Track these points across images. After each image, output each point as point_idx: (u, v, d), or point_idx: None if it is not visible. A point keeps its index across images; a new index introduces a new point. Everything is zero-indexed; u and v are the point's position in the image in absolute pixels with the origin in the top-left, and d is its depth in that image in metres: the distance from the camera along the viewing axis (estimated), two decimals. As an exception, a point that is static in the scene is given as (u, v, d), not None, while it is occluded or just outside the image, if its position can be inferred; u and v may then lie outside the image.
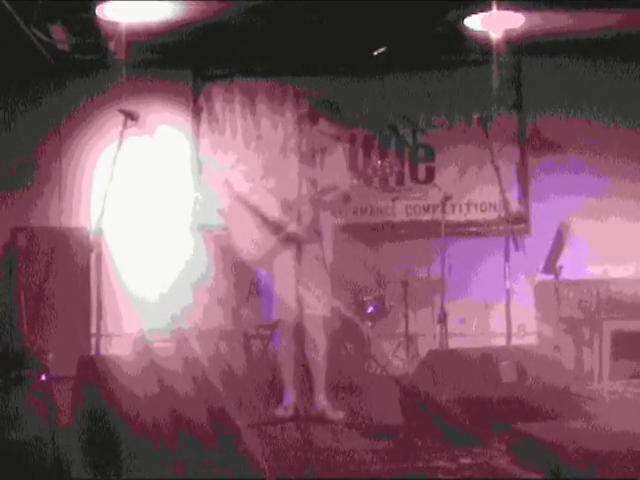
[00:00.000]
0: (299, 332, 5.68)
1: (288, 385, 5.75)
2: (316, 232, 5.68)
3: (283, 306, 5.57)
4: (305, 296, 5.55)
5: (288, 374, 5.74)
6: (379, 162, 6.58)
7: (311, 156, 5.79)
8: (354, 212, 8.13)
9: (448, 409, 4.78)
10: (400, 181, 8.27)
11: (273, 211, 5.61)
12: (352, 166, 7.98)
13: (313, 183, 5.72)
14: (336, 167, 5.82)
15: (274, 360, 6.76)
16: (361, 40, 7.55)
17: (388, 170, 6.20)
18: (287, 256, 5.53)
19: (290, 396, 5.70)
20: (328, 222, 5.80)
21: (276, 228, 5.58)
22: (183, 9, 6.79)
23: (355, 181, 6.46)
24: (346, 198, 5.87)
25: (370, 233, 8.09)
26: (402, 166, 8.26)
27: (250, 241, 5.76)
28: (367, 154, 8.29)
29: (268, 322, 6.85)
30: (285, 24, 7.17)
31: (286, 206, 5.54)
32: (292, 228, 5.58)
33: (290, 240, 5.56)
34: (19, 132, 8.05)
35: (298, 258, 5.54)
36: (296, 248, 5.56)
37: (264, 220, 5.68)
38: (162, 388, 4.24)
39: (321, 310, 5.72)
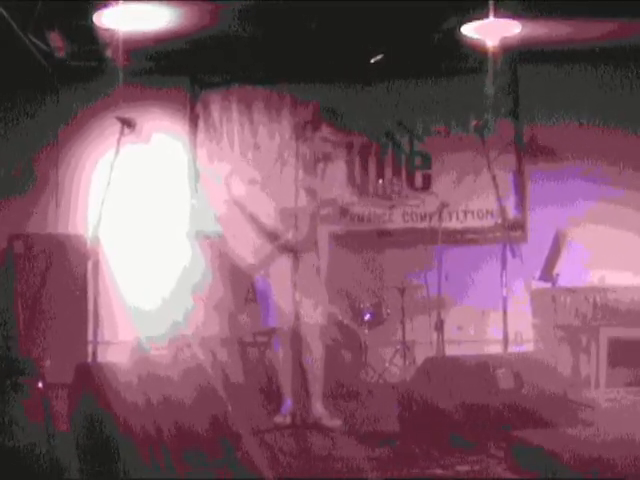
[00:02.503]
0: (296, 339, 5.69)
1: (286, 392, 5.76)
2: (312, 242, 5.71)
3: (280, 313, 5.58)
4: (301, 304, 5.56)
5: (286, 381, 5.75)
6: (380, 181, 6.56)
7: (313, 164, 5.82)
8: (351, 219, 8.11)
9: (445, 416, 4.77)
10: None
11: (270, 219, 5.63)
12: (350, 177, 7.99)
13: (312, 193, 5.74)
14: (336, 179, 5.84)
15: (272, 367, 6.76)
16: (358, 47, 7.56)
17: (388, 190, 6.19)
18: (284, 264, 5.54)
19: (288, 403, 5.71)
20: (324, 233, 5.82)
21: (273, 236, 5.59)
22: (179, 14, 6.79)
23: (355, 197, 6.46)
24: (343, 213, 5.90)
25: (367, 241, 8.09)
26: (401, 182, 8.25)
27: (247, 247, 5.77)
28: (364, 162, 8.28)
29: (265, 329, 6.87)
30: (282, 31, 7.17)
31: (284, 215, 5.54)
32: (289, 237, 5.60)
33: (286, 249, 5.57)
34: (16, 139, 8.05)
35: (295, 266, 5.55)
36: (293, 256, 5.58)
37: (261, 228, 5.69)
38: (159, 395, 4.23)
39: (317, 318, 5.73)
